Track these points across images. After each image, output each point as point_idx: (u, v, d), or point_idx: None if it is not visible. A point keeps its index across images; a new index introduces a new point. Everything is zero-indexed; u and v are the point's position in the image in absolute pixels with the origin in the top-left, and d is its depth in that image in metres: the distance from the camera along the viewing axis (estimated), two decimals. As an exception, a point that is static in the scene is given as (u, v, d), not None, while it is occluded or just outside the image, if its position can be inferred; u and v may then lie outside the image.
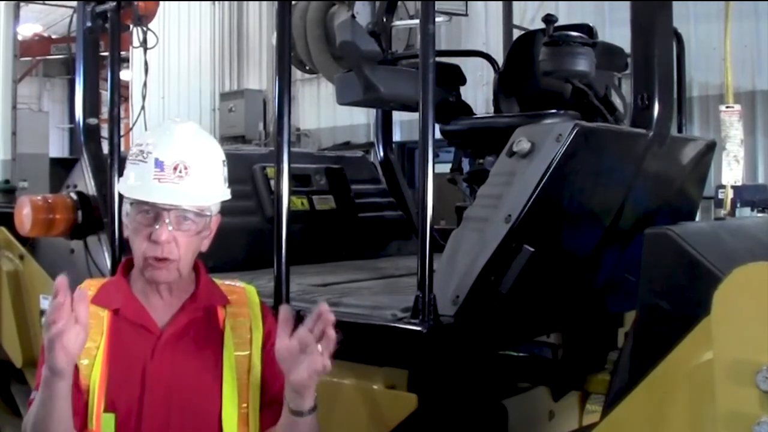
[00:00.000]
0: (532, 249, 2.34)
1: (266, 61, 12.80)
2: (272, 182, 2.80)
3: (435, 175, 2.31)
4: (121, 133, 3.22)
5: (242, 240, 3.37)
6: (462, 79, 3.92)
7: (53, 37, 20.05)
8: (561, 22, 3.27)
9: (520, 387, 3.05)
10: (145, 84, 3.83)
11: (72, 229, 3.37)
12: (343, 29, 3.55)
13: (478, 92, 7.92)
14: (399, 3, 4.38)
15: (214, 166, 1.96)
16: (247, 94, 12.85)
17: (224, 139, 12.28)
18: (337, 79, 3.84)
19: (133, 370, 1.89)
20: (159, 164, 1.87)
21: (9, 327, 3.75)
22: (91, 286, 1.99)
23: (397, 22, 5.87)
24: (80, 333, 1.66)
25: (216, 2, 13.54)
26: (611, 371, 2.63)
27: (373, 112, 5.28)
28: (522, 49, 3.88)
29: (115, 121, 3.13)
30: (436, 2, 2.50)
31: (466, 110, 3.87)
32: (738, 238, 2.24)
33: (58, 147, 19.71)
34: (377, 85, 3.44)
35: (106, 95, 3.31)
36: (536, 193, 2.33)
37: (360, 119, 11.09)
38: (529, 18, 7.29)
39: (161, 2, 4.19)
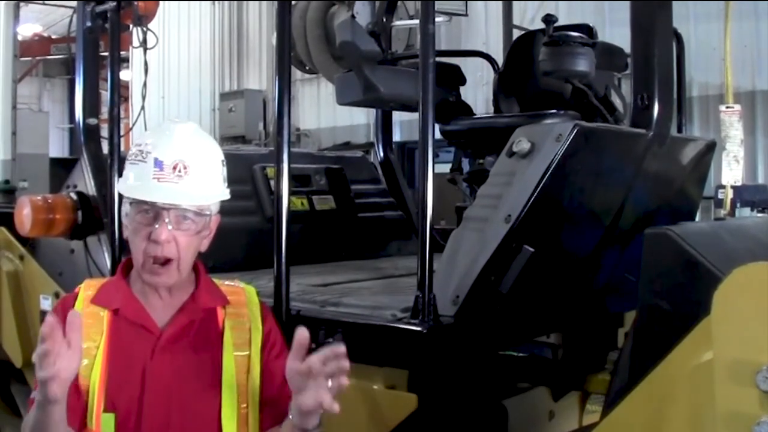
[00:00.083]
0: (532, 249, 2.34)
1: (266, 61, 12.80)
2: (272, 182, 2.81)
3: (435, 175, 2.31)
4: (121, 133, 3.22)
5: (242, 240, 3.37)
6: (462, 79, 3.92)
7: (53, 37, 20.05)
8: (561, 22, 3.27)
9: (520, 387, 3.05)
10: (145, 84, 3.83)
11: (72, 230, 3.37)
12: (343, 29, 3.55)
13: (478, 92, 7.92)
14: (399, 3, 4.38)
15: (214, 165, 1.96)
16: (247, 94, 12.85)
17: (224, 139, 12.29)
18: (337, 79, 3.84)
19: (133, 370, 1.89)
20: (158, 164, 1.87)
21: (9, 327, 3.75)
22: (90, 286, 1.99)
23: (397, 22, 5.86)
24: (73, 358, 1.64)
25: (216, 2, 13.54)
26: (611, 371, 2.63)
27: (373, 112, 5.28)
28: (522, 49, 3.88)
29: (115, 121, 3.12)
30: (436, 2, 2.50)
31: (466, 110, 3.87)
32: (738, 238, 2.24)
33: (58, 147, 19.72)
34: (377, 85, 3.44)
35: (106, 95, 3.31)
36: (536, 193, 2.33)
37: (360, 119, 11.09)
38: (529, 18, 7.29)
39: (161, 2, 4.19)
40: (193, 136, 1.96)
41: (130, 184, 1.91)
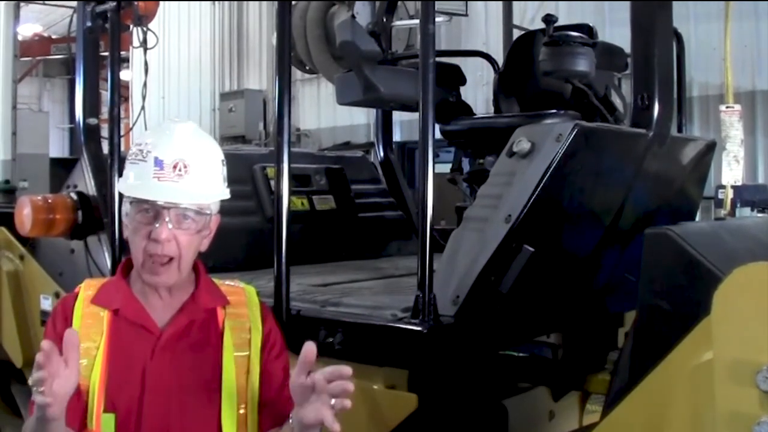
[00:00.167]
0: (532, 249, 2.35)
1: (266, 61, 12.80)
2: (272, 182, 2.81)
3: (435, 175, 2.31)
4: (121, 133, 3.22)
5: (242, 240, 3.37)
6: (462, 79, 3.92)
7: (53, 37, 20.05)
8: (561, 22, 3.27)
9: (520, 387, 3.05)
10: (145, 84, 3.83)
11: (72, 229, 3.37)
12: (343, 29, 3.55)
13: (478, 92, 7.92)
14: (399, 3, 4.38)
15: (214, 165, 1.96)
16: (247, 94, 12.85)
17: (224, 139, 12.29)
18: (337, 79, 3.84)
19: (133, 371, 1.89)
20: (158, 163, 1.87)
21: (9, 327, 3.75)
22: (90, 286, 1.99)
23: (397, 22, 5.87)
24: (70, 377, 1.67)
25: (216, 2, 13.54)
26: (611, 371, 2.63)
27: (373, 112, 5.28)
28: (522, 49, 3.88)
29: (115, 121, 3.13)
30: (436, 2, 2.50)
31: (466, 110, 3.87)
32: (738, 238, 2.24)
33: (58, 147, 19.70)
34: (377, 85, 3.45)
35: (106, 95, 3.31)
36: (536, 193, 2.33)
37: (360, 119, 11.09)
38: (529, 18, 7.28)
39: (161, 2, 4.19)
40: (193, 135, 1.96)
41: (130, 184, 1.91)
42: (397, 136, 7.13)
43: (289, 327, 2.37)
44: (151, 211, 1.87)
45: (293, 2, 6.41)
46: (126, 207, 1.92)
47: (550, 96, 3.57)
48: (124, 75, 6.12)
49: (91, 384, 1.86)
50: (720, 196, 6.54)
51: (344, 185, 3.97)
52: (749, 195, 6.67)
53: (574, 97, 3.41)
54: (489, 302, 2.38)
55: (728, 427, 1.72)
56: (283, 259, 2.46)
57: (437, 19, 2.57)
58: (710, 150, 3.21)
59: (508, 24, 5.27)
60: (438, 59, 2.62)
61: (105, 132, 3.31)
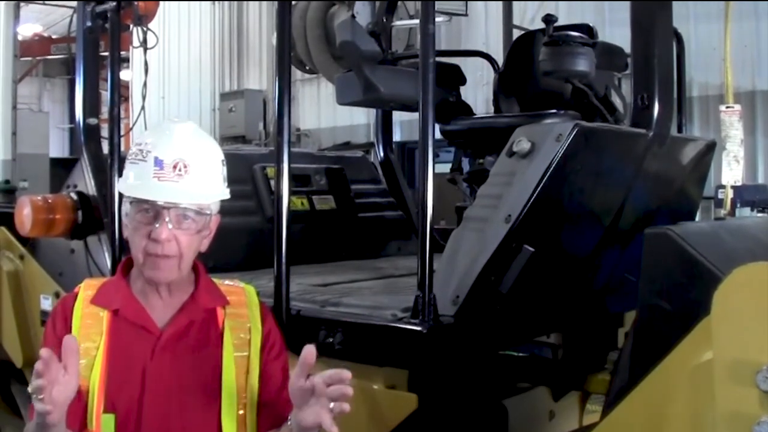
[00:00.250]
0: (532, 249, 2.35)
1: (266, 61, 12.80)
2: (272, 182, 2.81)
3: (435, 175, 2.31)
4: (121, 133, 3.22)
5: (242, 240, 3.37)
6: (462, 79, 3.92)
7: (53, 37, 20.05)
8: (561, 22, 3.27)
9: (520, 387, 3.05)
10: (145, 84, 3.83)
11: (72, 229, 3.37)
12: (343, 29, 3.55)
13: (478, 92, 7.92)
14: (399, 3, 4.38)
15: (214, 165, 1.96)
16: (247, 94, 12.85)
17: (224, 139, 12.30)
18: (337, 79, 3.84)
19: (133, 371, 1.89)
20: (159, 163, 1.87)
21: (9, 327, 3.75)
22: (90, 286, 1.99)
23: (397, 22, 5.87)
24: (70, 383, 1.68)
25: (216, 2, 13.55)
26: (611, 371, 2.63)
27: (373, 112, 5.28)
28: (522, 49, 3.88)
29: (115, 121, 3.13)
30: (436, 2, 2.50)
31: (466, 110, 3.87)
32: (738, 238, 2.24)
33: (58, 147, 19.71)
34: (377, 85, 3.45)
35: (106, 95, 3.31)
36: (536, 193, 2.33)
37: (360, 119, 11.09)
38: (529, 18, 7.29)
39: (161, 2, 4.19)
40: (192, 135, 1.96)
41: (130, 183, 1.91)
42: (397, 136, 7.13)
43: (289, 327, 2.37)
44: (151, 211, 1.87)
45: (293, 2, 6.41)
46: (126, 207, 1.92)
47: (550, 96, 3.57)
48: (124, 75, 6.13)
49: (90, 384, 1.86)
50: (720, 196, 6.55)
51: (344, 185, 3.97)
52: (749, 195, 6.68)
53: (574, 97, 3.41)
54: (489, 302, 2.38)
55: (728, 427, 1.73)
56: (283, 259, 2.46)
57: (437, 19, 2.57)
58: (710, 150, 3.21)
59: (508, 24, 5.27)
60: (438, 59, 2.62)
61: (105, 132, 3.31)
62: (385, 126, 4.45)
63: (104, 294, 1.96)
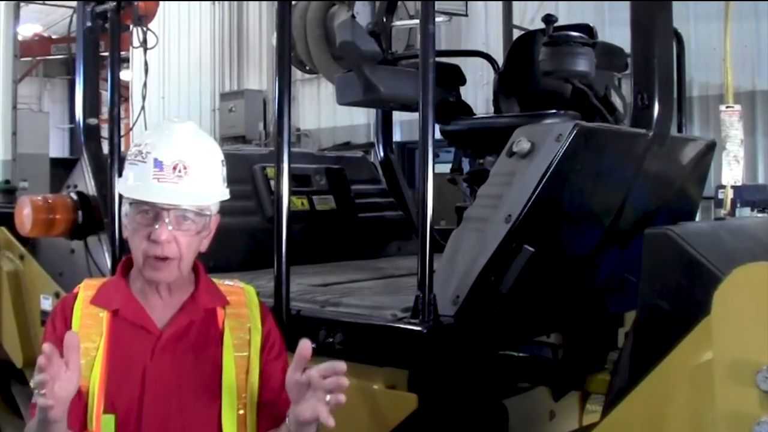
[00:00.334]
0: (532, 249, 2.34)
1: (266, 61, 12.80)
2: (272, 182, 2.81)
3: (435, 175, 2.31)
4: (121, 133, 3.22)
5: (242, 240, 3.37)
6: (462, 79, 3.92)
7: (53, 37, 20.06)
8: (561, 22, 3.27)
9: (520, 387, 3.05)
10: (145, 84, 3.83)
11: (72, 229, 3.37)
12: (343, 29, 3.55)
13: (478, 92, 7.92)
14: (399, 3, 4.38)
15: (214, 165, 1.96)
16: (247, 94, 12.85)
17: (224, 139, 12.30)
18: (337, 79, 3.84)
19: (133, 371, 1.89)
20: (158, 164, 1.87)
21: (9, 327, 3.75)
22: (89, 287, 1.99)
23: (397, 22, 5.87)
24: (72, 379, 1.68)
25: (216, 2, 13.54)
26: (611, 371, 2.63)
27: (373, 112, 5.28)
28: (522, 49, 3.88)
29: (115, 121, 3.13)
30: (436, 2, 2.50)
31: (466, 110, 3.87)
32: (738, 238, 2.24)
33: (58, 147, 19.72)
34: (377, 85, 3.45)
35: (106, 95, 3.31)
36: (536, 193, 2.33)
37: (360, 119, 11.09)
38: (529, 18, 7.29)
39: (161, 2, 4.19)
40: (192, 136, 1.96)
41: (130, 185, 1.91)
42: (397, 136, 7.13)
43: (289, 327, 2.37)
44: (151, 212, 1.87)
45: (293, 2, 6.41)
46: (125, 208, 1.92)
47: (550, 96, 3.57)
48: (124, 75, 6.13)
49: (90, 385, 1.86)
50: (720, 196, 6.56)
51: (344, 185, 3.97)
52: (749, 195, 6.69)
53: (574, 97, 3.40)
54: (489, 302, 2.38)
55: (728, 427, 1.73)
56: (283, 259, 2.46)
57: (437, 19, 2.57)
58: (710, 150, 3.21)
59: (508, 24, 5.26)
60: (438, 59, 2.62)
61: (105, 132, 3.31)
62: (385, 126, 4.45)
63: (104, 294, 1.96)
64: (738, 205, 6.53)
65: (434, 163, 2.29)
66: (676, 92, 3.30)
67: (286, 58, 2.59)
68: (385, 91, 3.48)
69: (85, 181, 3.43)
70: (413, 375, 2.31)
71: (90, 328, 1.89)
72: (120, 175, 2.02)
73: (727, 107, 6.75)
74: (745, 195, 6.67)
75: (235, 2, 13.35)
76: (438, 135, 2.67)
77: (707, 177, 3.36)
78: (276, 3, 2.64)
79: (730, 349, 1.73)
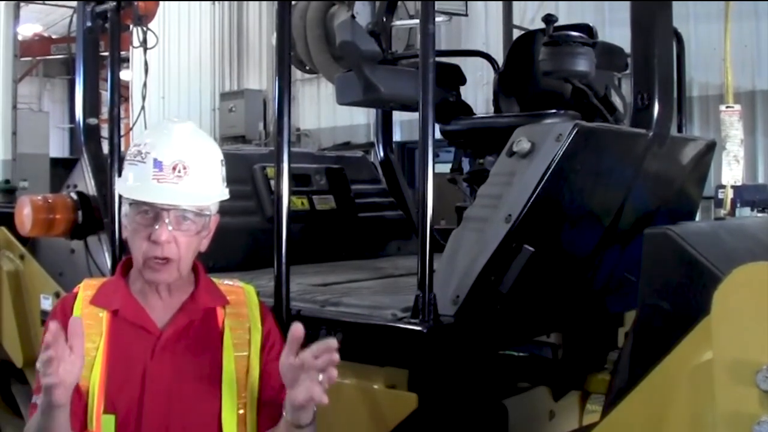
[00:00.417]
0: (532, 249, 2.34)
1: (266, 61, 12.80)
2: (272, 182, 2.80)
3: (435, 175, 2.31)
4: (121, 133, 3.22)
5: (242, 240, 3.37)
6: (462, 79, 3.92)
7: (53, 37, 20.07)
8: (561, 22, 3.27)
9: (520, 387, 3.05)
10: (145, 84, 3.83)
11: (72, 229, 3.37)
12: (343, 29, 3.55)
13: (478, 92, 7.92)
14: (399, 3, 4.38)
15: (213, 165, 1.96)
16: (247, 94, 12.86)
17: (224, 139, 12.31)
18: (337, 79, 3.84)
19: (133, 371, 1.89)
20: (158, 164, 1.87)
21: (9, 327, 3.75)
22: (89, 287, 1.99)
23: (397, 22, 5.87)
24: (76, 363, 1.66)
25: (216, 2, 13.55)
26: (611, 371, 2.63)
27: (373, 112, 5.28)
28: (522, 49, 3.88)
29: (115, 121, 3.12)
30: (436, 2, 2.50)
31: (466, 110, 3.87)
32: (738, 238, 2.24)
33: (58, 147, 19.73)
34: (377, 85, 3.45)
35: (106, 95, 3.31)
36: (536, 193, 2.33)
37: (360, 119, 11.09)
38: (529, 18, 7.29)
39: (161, 2, 4.19)
40: (192, 136, 1.96)
41: (129, 185, 1.91)
42: (397, 136, 7.13)
43: (289, 327, 2.37)
44: (151, 212, 1.87)
45: (293, 2, 6.41)
46: (125, 208, 1.92)
47: (550, 96, 3.57)
48: (124, 75, 6.13)
49: (90, 385, 1.86)
50: (720, 196, 6.56)
51: (344, 185, 3.97)
52: (749, 195, 6.69)
53: (574, 97, 3.40)
54: (489, 302, 2.38)
55: (728, 427, 1.72)
56: (283, 259, 2.46)
57: (437, 19, 2.57)
58: (710, 150, 3.21)
59: (508, 24, 5.27)
60: (438, 59, 2.62)
61: (105, 132, 3.31)
62: (385, 126, 4.45)
63: (103, 294, 1.96)
64: (738, 205, 6.53)
65: (434, 163, 2.29)
66: (676, 92, 3.30)
67: (286, 58, 2.59)
68: (385, 91, 3.48)
69: (85, 181, 3.43)
70: (413, 375, 2.31)
71: (90, 328, 1.89)
72: (120, 175, 2.02)
73: (727, 107, 6.75)
74: (745, 195, 6.67)
75: (235, 2, 13.35)
76: (438, 135, 2.67)
77: (707, 177, 3.36)
78: (276, 3, 2.64)
79: (730, 349, 1.73)
